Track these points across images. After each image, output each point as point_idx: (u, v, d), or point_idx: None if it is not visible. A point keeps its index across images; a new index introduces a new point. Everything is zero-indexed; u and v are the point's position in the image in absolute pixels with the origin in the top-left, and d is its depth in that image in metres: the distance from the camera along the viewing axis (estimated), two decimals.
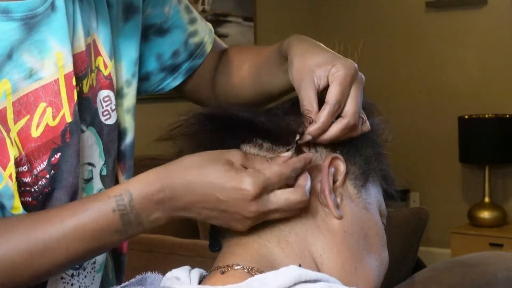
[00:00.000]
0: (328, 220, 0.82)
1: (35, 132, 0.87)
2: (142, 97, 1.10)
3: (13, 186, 0.84)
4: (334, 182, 0.84)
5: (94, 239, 0.79)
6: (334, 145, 0.85)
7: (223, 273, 0.78)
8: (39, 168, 0.87)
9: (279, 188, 0.79)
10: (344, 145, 0.86)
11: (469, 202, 4.21)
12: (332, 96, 0.83)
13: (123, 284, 0.83)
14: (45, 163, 0.88)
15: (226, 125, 0.84)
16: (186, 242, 2.31)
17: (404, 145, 4.23)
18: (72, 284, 0.95)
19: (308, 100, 0.84)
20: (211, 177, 0.77)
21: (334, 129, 0.83)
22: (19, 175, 0.85)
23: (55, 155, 0.88)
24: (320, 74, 0.85)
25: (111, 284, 1.05)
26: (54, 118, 0.88)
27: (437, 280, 1.21)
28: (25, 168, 0.86)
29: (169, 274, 0.81)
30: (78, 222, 0.78)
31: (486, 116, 4.05)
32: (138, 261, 2.23)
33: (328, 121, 0.82)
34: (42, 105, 0.87)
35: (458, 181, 4.37)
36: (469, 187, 4.30)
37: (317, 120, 0.82)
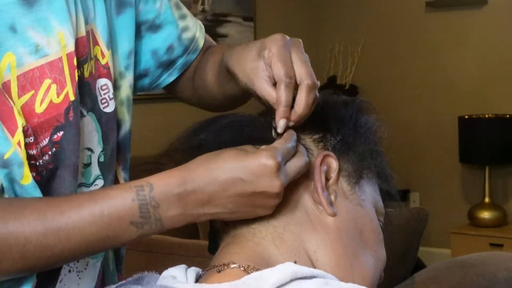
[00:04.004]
0: (322, 217, 0.83)
1: (39, 108, 0.87)
2: (142, 97, 1.10)
3: (22, 153, 0.84)
4: (328, 179, 0.84)
5: (110, 227, 0.78)
6: (326, 142, 0.86)
7: (219, 271, 0.78)
8: (41, 144, 0.87)
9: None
10: (336, 142, 0.86)
11: (469, 202, 4.21)
12: (277, 73, 0.81)
13: (119, 283, 0.83)
14: (47, 139, 0.88)
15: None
16: (186, 242, 2.31)
17: (404, 145, 4.23)
18: (69, 271, 0.94)
19: (266, 92, 0.83)
20: (231, 161, 0.78)
21: (301, 99, 0.81)
22: (25, 147, 0.85)
23: (58, 133, 0.88)
24: (262, 66, 0.83)
25: (112, 274, 1.05)
26: (58, 95, 0.88)
27: (437, 280, 1.20)
28: (31, 139, 0.86)
29: (165, 273, 0.81)
30: (97, 207, 0.78)
31: (486, 116, 4.05)
32: (138, 261, 2.23)
33: (288, 95, 0.81)
34: (47, 81, 0.87)
35: (458, 181, 4.37)
36: (469, 187, 4.31)
37: (278, 101, 0.81)
